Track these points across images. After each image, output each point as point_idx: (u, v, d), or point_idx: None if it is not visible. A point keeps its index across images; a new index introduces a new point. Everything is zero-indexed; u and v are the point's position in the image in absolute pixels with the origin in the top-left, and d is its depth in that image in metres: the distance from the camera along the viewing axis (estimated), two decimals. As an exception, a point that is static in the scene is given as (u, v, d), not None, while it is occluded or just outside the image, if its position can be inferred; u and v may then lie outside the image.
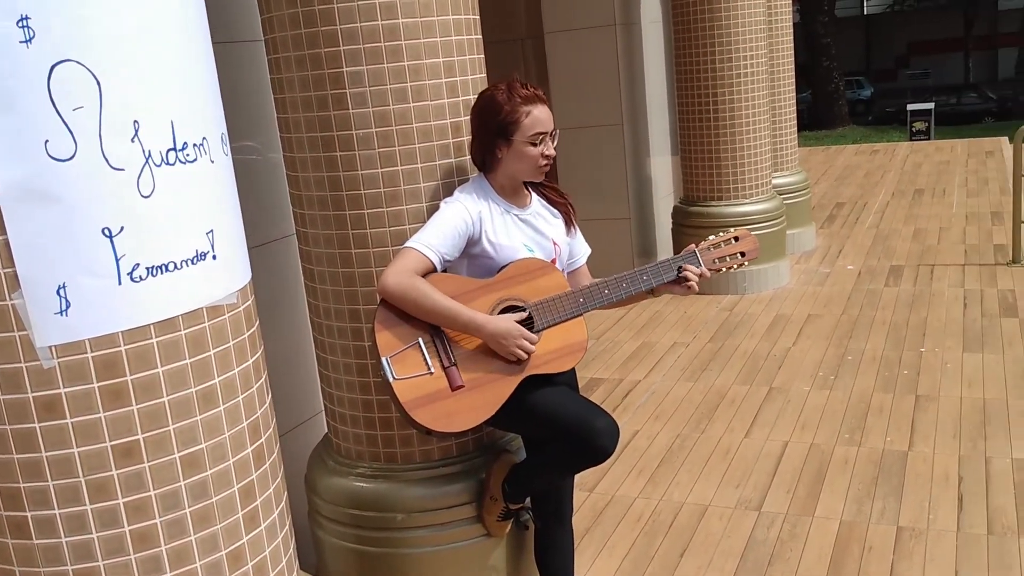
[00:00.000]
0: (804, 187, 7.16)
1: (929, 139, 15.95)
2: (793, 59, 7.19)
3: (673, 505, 3.50)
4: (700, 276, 2.37)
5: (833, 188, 9.81)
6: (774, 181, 6.51)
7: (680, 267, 2.36)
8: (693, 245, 2.43)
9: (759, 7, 5.86)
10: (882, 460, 3.71)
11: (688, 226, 6.12)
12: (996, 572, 2.92)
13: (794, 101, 7.18)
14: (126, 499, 1.44)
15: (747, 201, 6.04)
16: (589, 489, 3.67)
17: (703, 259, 2.40)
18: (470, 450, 2.58)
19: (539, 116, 2.27)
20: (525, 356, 2.21)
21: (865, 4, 37.21)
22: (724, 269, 2.42)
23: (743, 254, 2.42)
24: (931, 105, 18.16)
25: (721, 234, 2.44)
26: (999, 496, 3.36)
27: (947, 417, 4.04)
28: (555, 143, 2.33)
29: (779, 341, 5.20)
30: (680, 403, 4.46)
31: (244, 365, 1.59)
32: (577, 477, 3.74)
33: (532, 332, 2.27)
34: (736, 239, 2.42)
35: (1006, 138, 11.34)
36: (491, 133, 2.29)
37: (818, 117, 25.03)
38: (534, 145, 2.28)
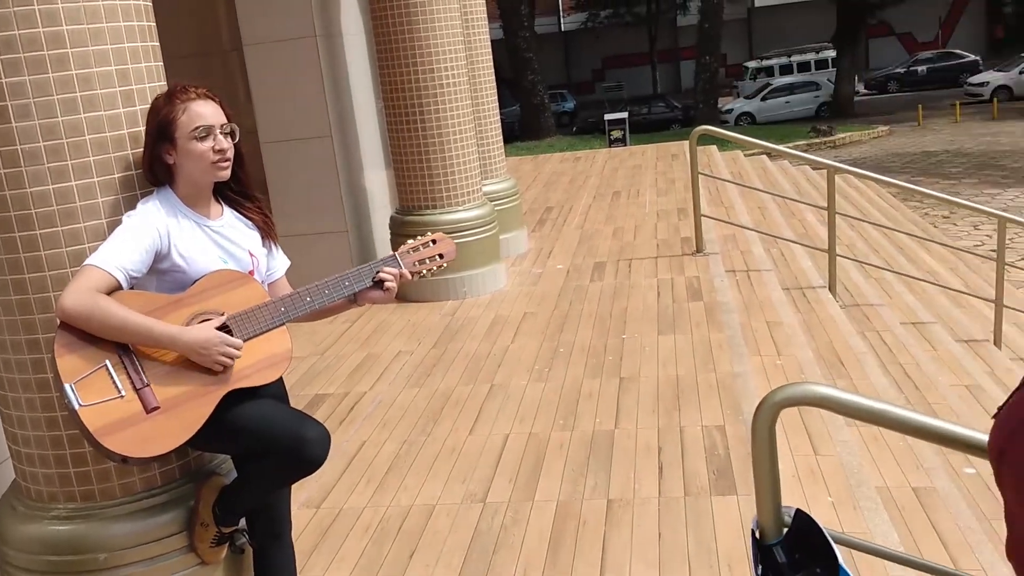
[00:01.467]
0: (514, 193, 7.50)
1: (626, 145, 17.28)
2: (493, 72, 7.52)
3: (401, 510, 3.54)
4: (401, 277, 2.41)
5: (543, 194, 10.36)
6: (485, 188, 6.76)
7: (378, 270, 2.39)
8: (393, 253, 2.48)
9: (455, 22, 6.08)
10: (592, 441, 3.97)
11: (404, 235, 6.13)
12: (693, 528, 3.22)
13: (497, 111, 7.51)
14: None
15: (460, 208, 6.23)
16: (315, 506, 3.62)
17: (403, 262, 2.45)
18: (176, 477, 2.45)
19: (199, 110, 2.21)
20: (231, 363, 2.14)
21: (562, 21, 39.71)
22: (425, 271, 2.48)
23: (441, 256, 2.50)
24: (625, 115, 19.75)
25: (419, 238, 2.50)
26: (693, 461, 3.71)
27: (647, 395, 4.40)
28: (235, 139, 2.27)
29: (498, 340, 5.41)
30: (406, 409, 4.52)
31: None
32: (303, 495, 3.70)
33: (232, 344, 2.21)
34: (434, 242, 2.50)
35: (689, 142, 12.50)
36: (155, 137, 2.22)
37: (527, 128, 26.38)
38: (200, 140, 2.21)
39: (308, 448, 2.16)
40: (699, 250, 6.87)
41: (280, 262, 2.51)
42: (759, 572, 1.98)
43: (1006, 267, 6.72)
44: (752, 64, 33.31)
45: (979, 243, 11.82)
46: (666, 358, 4.86)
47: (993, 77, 28.91)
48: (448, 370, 5.00)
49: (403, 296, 6.41)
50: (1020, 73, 28.20)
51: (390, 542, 3.30)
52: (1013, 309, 7.16)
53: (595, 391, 4.52)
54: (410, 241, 2.50)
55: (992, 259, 6.75)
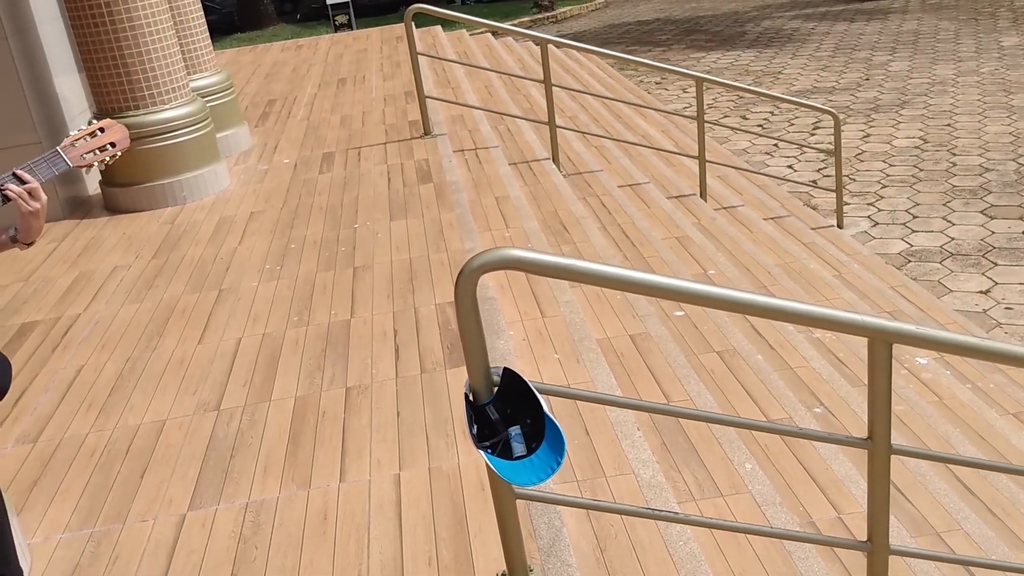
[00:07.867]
0: (227, 87, 7.07)
1: (352, 30, 16.73)
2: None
3: (129, 430, 3.36)
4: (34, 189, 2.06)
5: (264, 86, 9.87)
6: (193, 84, 6.33)
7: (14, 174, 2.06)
8: (55, 148, 2.23)
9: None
10: (328, 333, 3.94)
11: (108, 142, 5.71)
12: (429, 402, 3.31)
13: (199, 1, 6.98)
14: None
15: (167, 107, 5.79)
16: (32, 440, 3.36)
17: (69, 156, 2.20)
18: None
19: None
20: None
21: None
22: (97, 163, 2.27)
23: (114, 144, 2.29)
24: (348, -2, 19.04)
25: (83, 128, 2.28)
26: (428, 339, 3.79)
27: (381, 281, 4.41)
28: None
29: (225, 243, 5.18)
30: (128, 326, 4.25)
31: None
32: (16, 430, 3.44)
33: None
34: (102, 130, 2.28)
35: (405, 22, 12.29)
36: None
37: (247, 19, 24.85)
38: None
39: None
40: (427, 132, 6.86)
41: None
42: (475, 432, 2.06)
43: (707, 124, 7.24)
44: None
45: (687, 105, 12.65)
46: (399, 243, 4.87)
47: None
48: (172, 280, 4.74)
49: (114, 207, 5.95)
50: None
51: (119, 465, 3.14)
52: (715, 163, 7.79)
53: (329, 284, 4.46)
54: (73, 133, 2.25)
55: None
